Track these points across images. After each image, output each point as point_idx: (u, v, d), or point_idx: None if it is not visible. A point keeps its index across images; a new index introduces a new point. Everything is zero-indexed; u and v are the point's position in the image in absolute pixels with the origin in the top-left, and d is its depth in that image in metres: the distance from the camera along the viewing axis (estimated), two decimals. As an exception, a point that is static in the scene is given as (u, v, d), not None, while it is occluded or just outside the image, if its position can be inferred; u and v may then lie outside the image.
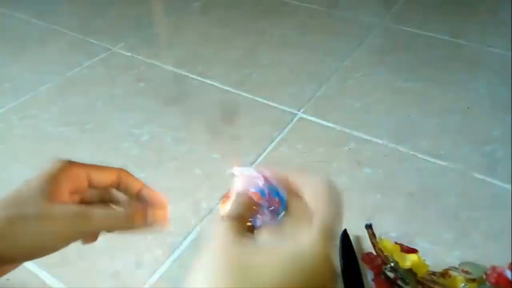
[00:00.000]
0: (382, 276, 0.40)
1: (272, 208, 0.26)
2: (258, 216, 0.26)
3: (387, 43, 0.90)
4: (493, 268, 0.38)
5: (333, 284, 0.23)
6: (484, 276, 0.38)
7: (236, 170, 0.28)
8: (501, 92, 0.75)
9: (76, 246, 0.28)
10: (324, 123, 0.69)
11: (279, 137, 0.66)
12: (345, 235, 0.50)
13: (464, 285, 0.39)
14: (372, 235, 0.44)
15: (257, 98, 0.74)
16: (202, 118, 0.71)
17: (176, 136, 0.67)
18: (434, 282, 0.39)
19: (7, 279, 0.27)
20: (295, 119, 0.70)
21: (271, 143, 0.65)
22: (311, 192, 0.26)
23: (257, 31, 0.95)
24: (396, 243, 0.41)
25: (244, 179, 0.27)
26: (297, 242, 0.23)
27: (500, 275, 0.37)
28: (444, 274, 0.40)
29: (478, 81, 0.77)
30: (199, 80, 0.79)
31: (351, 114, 0.71)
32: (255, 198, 0.26)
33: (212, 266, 0.21)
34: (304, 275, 0.21)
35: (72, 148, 0.65)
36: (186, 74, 0.81)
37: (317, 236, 0.23)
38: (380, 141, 0.65)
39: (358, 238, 0.50)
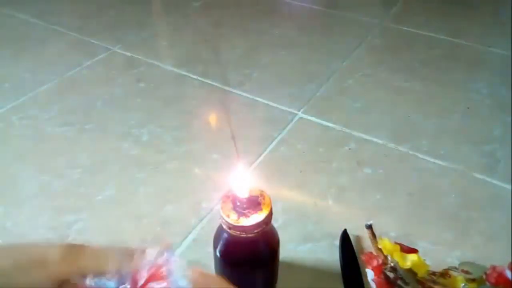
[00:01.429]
0: (382, 276, 0.40)
1: None
2: None
3: (387, 43, 0.90)
4: (493, 268, 0.38)
5: None
6: (484, 276, 0.38)
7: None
8: (501, 92, 0.75)
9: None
10: (324, 123, 0.69)
11: (279, 137, 0.66)
12: (345, 235, 0.50)
13: (464, 285, 0.39)
14: (372, 235, 0.44)
15: (257, 98, 0.74)
16: (202, 118, 0.71)
17: (176, 136, 0.67)
18: (434, 282, 0.39)
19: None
20: (295, 119, 0.70)
21: (271, 143, 0.65)
22: None
23: (257, 31, 0.95)
24: (396, 243, 0.41)
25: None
26: None
27: (500, 275, 0.37)
28: (444, 274, 0.40)
29: (478, 81, 0.77)
30: (199, 80, 0.79)
31: (351, 114, 0.71)
32: None
33: None
34: None
35: (72, 148, 0.65)
36: (186, 74, 0.81)
37: None
38: (380, 141, 0.65)
39: (358, 238, 0.50)
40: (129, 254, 0.26)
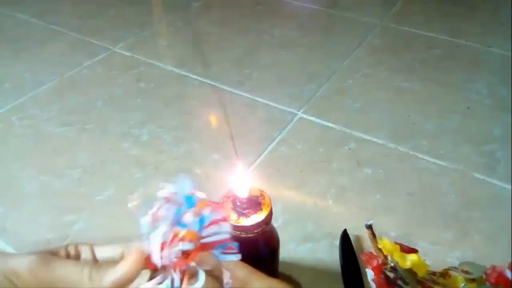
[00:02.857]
0: (382, 276, 0.40)
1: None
2: None
3: (387, 43, 0.90)
4: (493, 268, 0.38)
5: None
6: (484, 276, 0.38)
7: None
8: (501, 92, 0.75)
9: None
10: (324, 123, 0.69)
11: (279, 137, 0.66)
12: (345, 235, 0.50)
13: (464, 285, 0.39)
14: (372, 235, 0.44)
15: (257, 98, 0.74)
16: (202, 118, 0.71)
17: (176, 136, 0.67)
18: (434, 282, 0.39)
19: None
20: (295, 119, 0.70)
21: (271, 143, 0.65)
22: None
23: (257, 31, 0.95)
24: (396, 243, 0.41)
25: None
26: None
27: (500, 275, 0.37)
28: (444, 274, 0.40)
29: (478, 81, 0.77)
30: (199, 80, 0.79)
31: (351, 114, 0.71)
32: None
33: None
34: None
35: (72, 148, 0.65)
36: (186, 74, 0.81)
37: None
38: (380, 141, 0.65)
39: (358, 238, 0.50)
40: (109, 264, 0.26)
